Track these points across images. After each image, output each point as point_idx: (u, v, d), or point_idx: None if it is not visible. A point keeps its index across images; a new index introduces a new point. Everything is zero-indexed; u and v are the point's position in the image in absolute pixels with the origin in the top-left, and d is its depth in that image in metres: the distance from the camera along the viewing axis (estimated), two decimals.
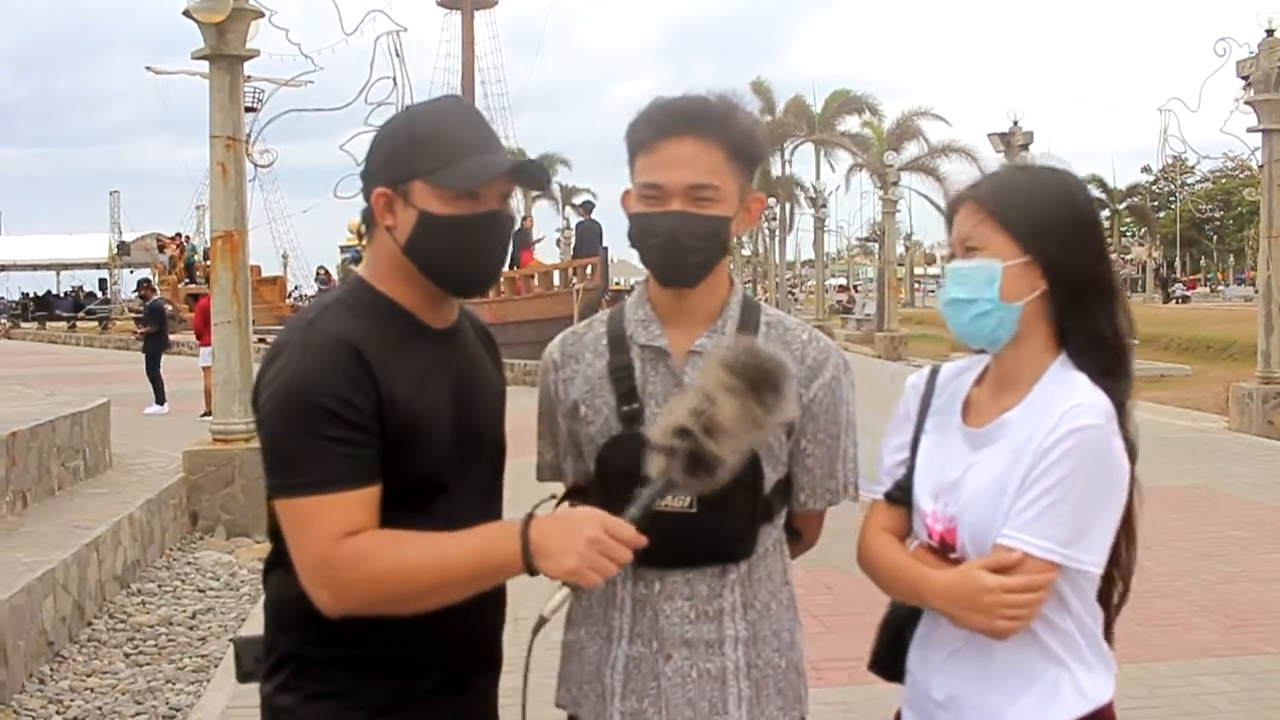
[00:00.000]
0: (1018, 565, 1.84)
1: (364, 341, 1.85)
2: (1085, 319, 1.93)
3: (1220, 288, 65.10)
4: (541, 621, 1.77)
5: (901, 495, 2.06)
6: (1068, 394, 1.89)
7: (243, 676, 2.04)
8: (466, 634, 1.95)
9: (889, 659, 2.14)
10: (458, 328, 2.05)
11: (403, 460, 1.86)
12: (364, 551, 1.78)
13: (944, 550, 1.98)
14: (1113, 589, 2.02)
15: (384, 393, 1.83)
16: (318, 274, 45.49)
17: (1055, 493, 1.83)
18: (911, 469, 2.05)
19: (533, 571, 1.78)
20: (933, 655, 2.03)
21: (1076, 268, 1.92)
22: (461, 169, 1.87)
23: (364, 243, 2.04)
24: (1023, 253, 1.90)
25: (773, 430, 1.89)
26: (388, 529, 1.82)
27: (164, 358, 17.63)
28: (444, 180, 1.87)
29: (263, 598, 2.06)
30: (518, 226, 27.22)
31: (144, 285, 24.72)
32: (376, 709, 1.90)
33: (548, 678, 2.26)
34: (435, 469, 1.90)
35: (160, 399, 16.73)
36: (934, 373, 2.12)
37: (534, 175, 2.02)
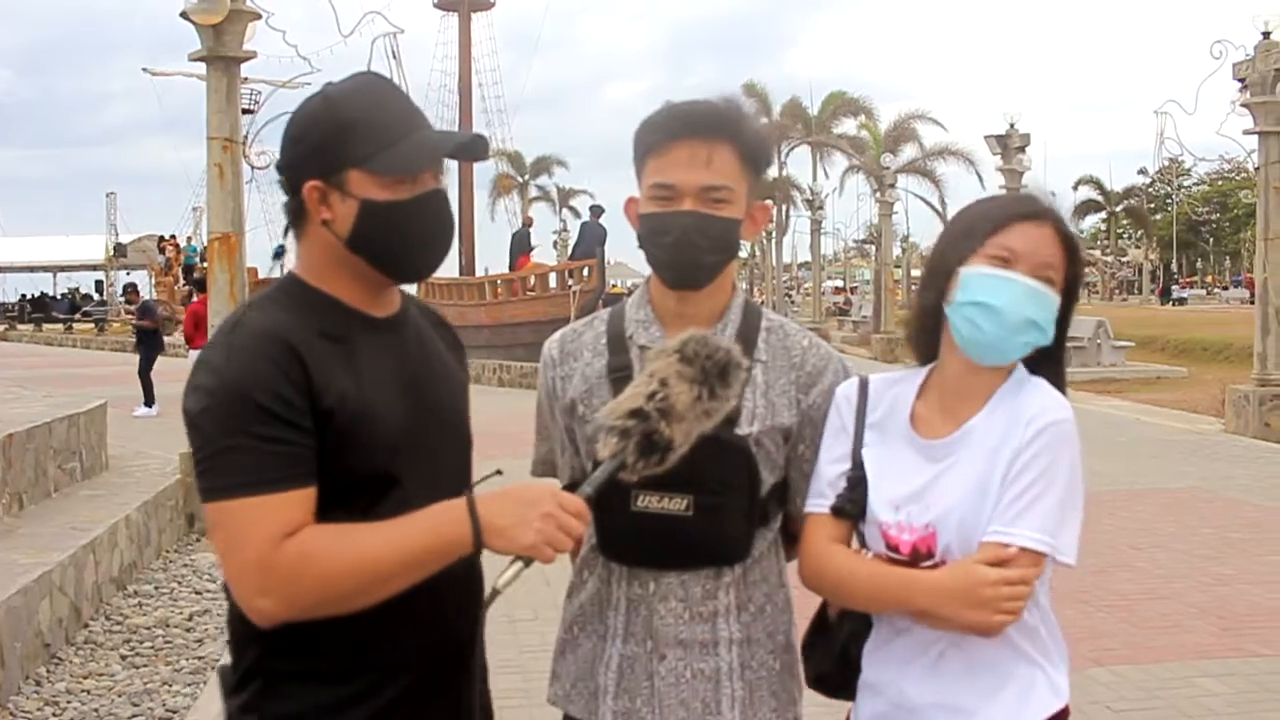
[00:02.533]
0: (1013, 559, 1.85)
1: (296, 335, 1.75)
2: (1059, 346, 2.02)
3: (1217, 290, 65.22)
4: (494, 594, 1.74)
5: (851, 508, 2.01)
6: (1034, 395, 1.95)
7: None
8: (439, 634, 1.87)
9: (838, 675, 2.09)
10: (404, 317, 1.94)
11: (346, 455, 1.75)
12: (311, 551, 1.67)
13: (915, 559, 1.94)
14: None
15: (319, 386, 1.73)
16: None
17: (1039, 485, 1.87)
18: (856, 481, 2.01)
19: (480, 550, 1.73)
20: (910, 662, 1.98)
21: (1069, 306, 2.00)
22: (400, 152, 1.78)
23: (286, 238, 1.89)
24: (1061, 293, 1.96)
25: (717, 422, 1.87)
26: (324, 524, 1.72)
27: (158, 360, 17.58)
28: (383, 166, 1.77)
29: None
30: (517, 229, 27.10)
31: (129, 290, 24.59)
32: None
33: (541, 680, 2.26)
34: (383, 463, 1.79)
35: (149, 401, 16.69)
36: (864, 384, 2.07)
37: (476, 150, 1.90)
